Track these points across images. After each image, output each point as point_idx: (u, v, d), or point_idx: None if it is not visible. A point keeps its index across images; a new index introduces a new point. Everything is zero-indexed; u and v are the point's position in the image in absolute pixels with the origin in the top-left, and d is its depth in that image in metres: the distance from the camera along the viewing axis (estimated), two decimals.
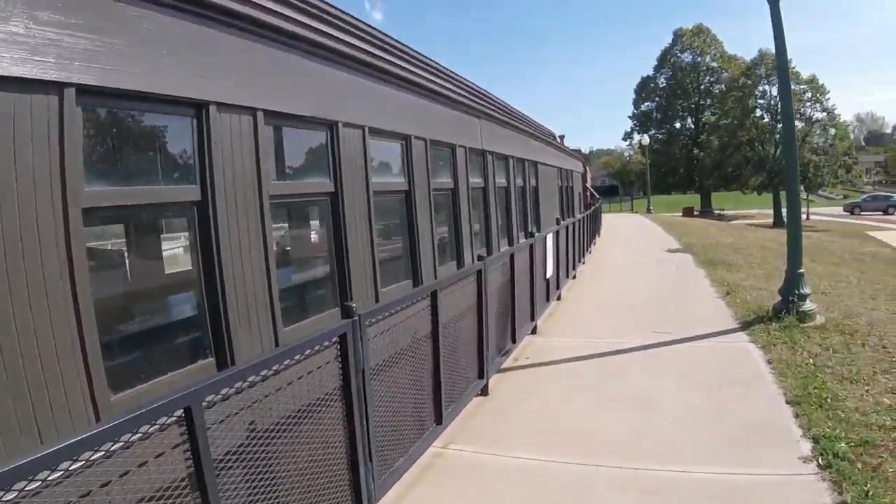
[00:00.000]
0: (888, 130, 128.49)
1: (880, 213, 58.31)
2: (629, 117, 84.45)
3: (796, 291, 9.94)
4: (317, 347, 4.09)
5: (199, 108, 4.52)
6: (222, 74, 4.64)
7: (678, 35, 79.37)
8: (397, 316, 5.09)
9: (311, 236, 6.88)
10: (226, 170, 4.67)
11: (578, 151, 41.40)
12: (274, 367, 3.71)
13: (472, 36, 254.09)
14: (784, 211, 51.09)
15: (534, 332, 10.28)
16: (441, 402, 5.94)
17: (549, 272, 11.59)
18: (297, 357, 3.92)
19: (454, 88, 9.21)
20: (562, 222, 13.50)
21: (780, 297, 10.26)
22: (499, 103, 12.11)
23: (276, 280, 5.10)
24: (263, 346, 4.94)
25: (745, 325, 9.91)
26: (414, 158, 7.73)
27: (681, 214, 57.42)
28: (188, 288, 5.09)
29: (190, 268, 4.77)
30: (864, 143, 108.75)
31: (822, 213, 62.27)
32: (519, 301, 9.09)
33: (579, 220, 17.43)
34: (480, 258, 7.12)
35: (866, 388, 6.84)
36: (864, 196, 65.67)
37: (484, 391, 7.46)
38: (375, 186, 6.67)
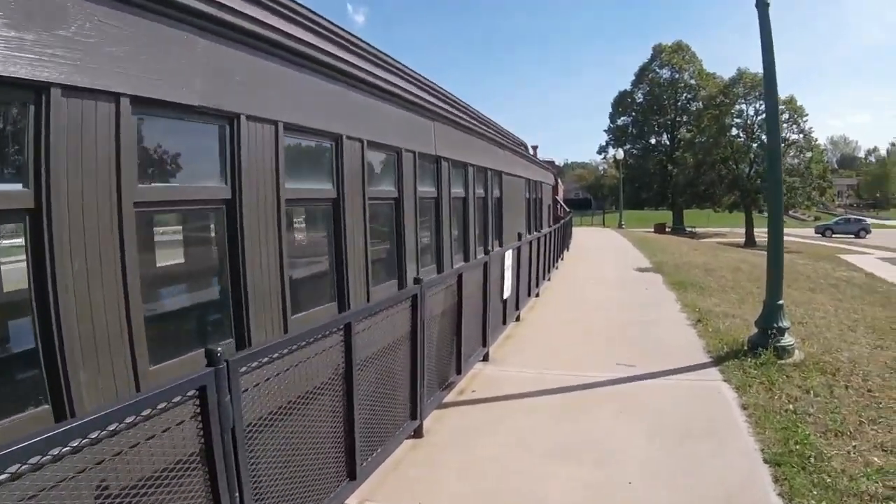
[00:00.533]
0: (860, 154, 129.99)
1: (851, 235, 58.48)
2: (605, 131, 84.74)
3: (775, 325, 9.09)
4: (162, 405, 3.08)
5: (37, 93, 3.50)
6: (71, 51, 3.62)
7: (657, 51, 79.53)
8: (293, 357, 4.08)
9: (201, 251, 5.82)
10: (71, 170, 3.65)
11: (551, 163, 40.58)
12: (92, 436, 2.71)
13: (447, 49, 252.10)
14: (756, 231, 50.92)
15: (485, 359, 9.29)
16: (355, 454, 4.93)
17: (508, 293, 10.64)
18: (129, 420, 2.90)
19: (402, 84, 8.17)
20: (525, 237, 12.54)
21: (756, 329, 9.43)
22: (458, 104, 11.12)
23: (140, 307, 4.07)
24: (119, 389, 3.93)
25: (718, 360, 9.02)
26: (345, 162, 6.66)
27: (652, 230, 57.08)
28: (17, 313, 4.06)
29: (24, 287, 3.72)
30: (836, 167, 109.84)
31: (793, 234, 62.11)
32: (467, 326, 8.12)
33: (546, 235, 16.53)
34: (417, 281, 6.11)
35: (854, 442, 5.98)
36: (837, 219, 65.91)
37: (417, 433, 6.46)
38: (291, 193, 5.63)
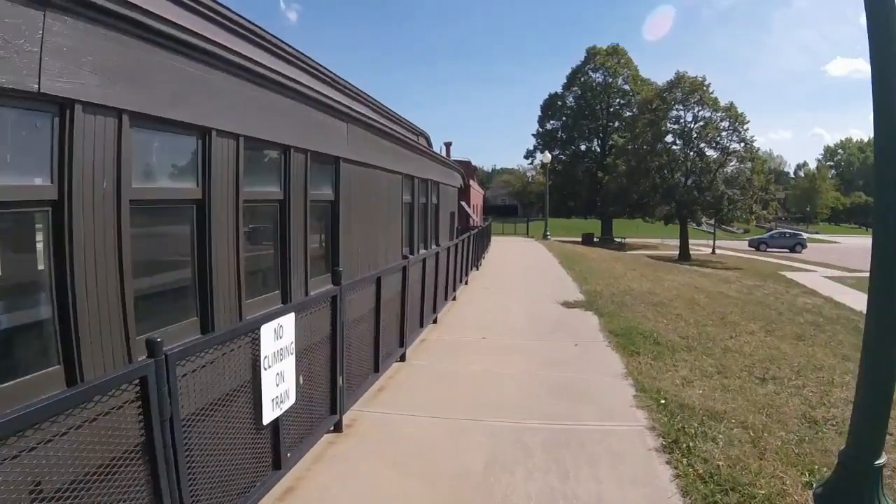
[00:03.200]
0: (786, 169, 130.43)
1: (786, 250, 56.63)
2: (533, 135, 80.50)
3: None
4: None
5: None
6: None
7: (592, 53, 76.00)
8: None
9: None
10: None
11: (467, 164, 34.99)
12: None
13: (383, 54, 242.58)
14: (692, 243, 46.85)
15: None
16: None
17: (275, 411, 4.95)
18: None
19: None
20: (348, 280, 6.80)
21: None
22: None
23: None
24: None
25: None
26: None
27: (580, 241, 52.76)
28: None
29: None
30: None
31: (725, 246, 59.60)
32: None
33: (427, 260, 10.94)
34: None
35: None
36: (772, 232, 63.77)
37: None
38: None
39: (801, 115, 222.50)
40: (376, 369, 7.85)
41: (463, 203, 30.40)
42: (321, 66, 8.91)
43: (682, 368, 9.12)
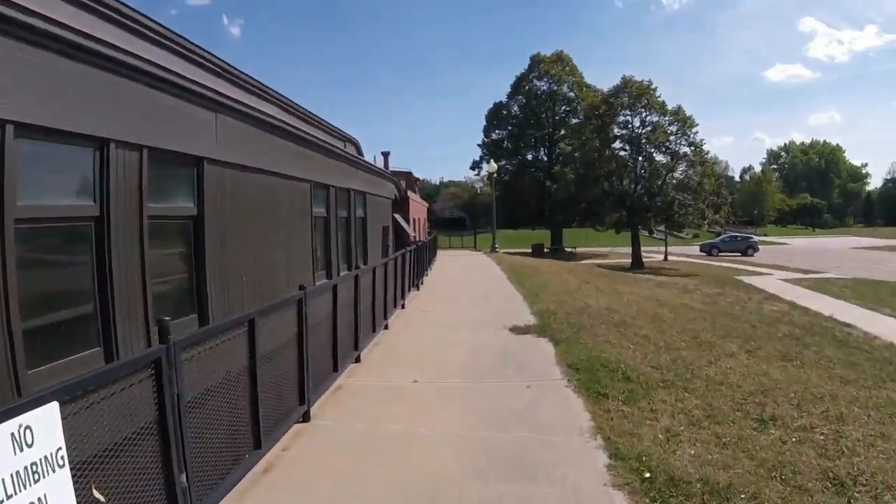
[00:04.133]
0: (730, 173, 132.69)
1: (738, 253, 56.89)
2: (479, 145, 79.09)
3: None
4: None
5: None
6: None
7: (536, 61, 74.84)
8: None
9: None
10: None
11: (408, 174, 32.88)
12: None
13: (328, 70, 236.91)
14: (644, 251, 45.59)
15: None
16: None
17: None
18: None
19: None
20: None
21: None
22: None
23: None
24: None
25: None
26: None
27: (529, 252, 51.41)
28: None
29: None
30: None
31: (677, 252, 58.87)
32: None
33: (344, 283, 8.85)
34: None
35: None
36: (723, 236, 63.53)
37: None
38: None
39: (742, 120, 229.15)
40: (257, 444, 5.70)
41: (397, 216, 28.06)
42: (179, 35, 6.75)
43: (662, 415, 7.19)
